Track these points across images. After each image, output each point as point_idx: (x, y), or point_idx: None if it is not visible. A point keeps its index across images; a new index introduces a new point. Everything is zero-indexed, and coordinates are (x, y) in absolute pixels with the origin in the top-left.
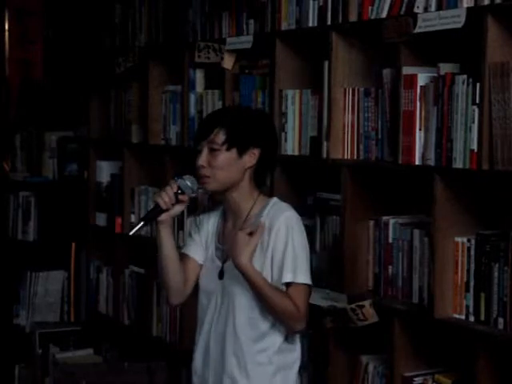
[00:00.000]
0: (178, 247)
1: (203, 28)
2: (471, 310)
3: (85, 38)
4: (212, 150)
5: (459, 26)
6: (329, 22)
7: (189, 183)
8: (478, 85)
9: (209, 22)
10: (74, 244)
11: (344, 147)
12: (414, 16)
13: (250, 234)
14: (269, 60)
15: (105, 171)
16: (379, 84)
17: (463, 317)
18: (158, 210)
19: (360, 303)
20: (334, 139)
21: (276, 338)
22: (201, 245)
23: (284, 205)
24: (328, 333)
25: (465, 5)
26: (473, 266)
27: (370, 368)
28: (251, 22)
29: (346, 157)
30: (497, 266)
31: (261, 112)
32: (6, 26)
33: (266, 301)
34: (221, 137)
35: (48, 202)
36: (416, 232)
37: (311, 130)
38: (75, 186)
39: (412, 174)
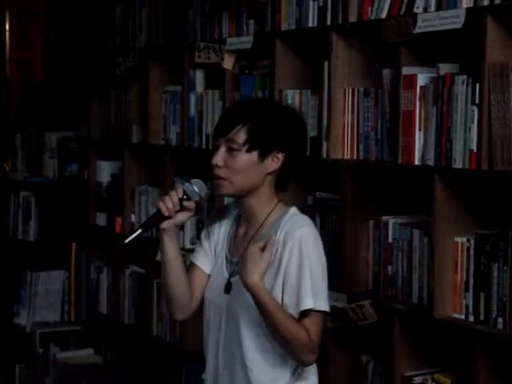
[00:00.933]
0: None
1: (203, 28)
2: (471, 309)
3: (85, 38)
4: (230, 150)
5: (459, 26)
6: (329, 23)
7: (196, 188)
8: (477, 85)
9: (209, 22)
10: (74, 244)
11: (344, 147)
12: (414, 16)
13: (263, 247)
14: (269, 60)
15: (105, 171)
16: (379, 84)
17: (463, 316)
18: (159, 217)
19: (360, 303)
20: (334, 139)
21: (289, 365)
22: (210, 254)
23: (302, 218)
24: (328, 333)
25: (464, 5)
26: (472, 265)
27: (370, 368)
28: (251, 22)
29: (345, 157)
30: (496, 265)
31: (290, 109)
32: (7, 27)
33: (275, 326)
34: (242, 136)
35: (48, 201)
36: (416, 232)
37: (311, 130)
38: (75, 185)
39: (412, 174)
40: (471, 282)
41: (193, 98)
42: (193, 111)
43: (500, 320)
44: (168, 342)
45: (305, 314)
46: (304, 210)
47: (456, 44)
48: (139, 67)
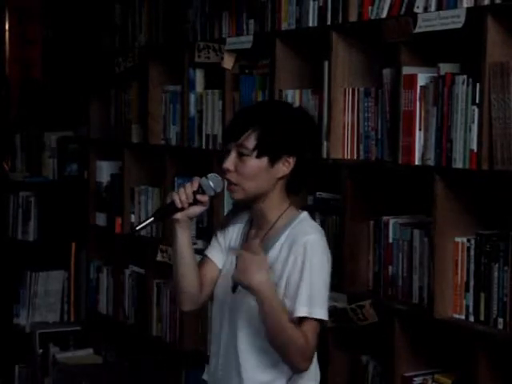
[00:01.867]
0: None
1: (203, 28)
2: (471, 309)
3: (84, 38)
4: (241, 155)
5: (459, 26)
6: (329, 22)
7: (212, 184)
8: (477, 85)
9: (209, 22)
10: (74, 244)
11: (344, 147)
12: (414, 16)
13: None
14: (269, 60)
15: (105, 171)
16: (379, 84)
17: (463, 317)
18: (172, 208)
19: (360, 303)
20: (334, 139)
21: (284, 371)
22: (224, 248)
23: (311, 224)
24: (328, 333)
25: (465, 5)
26: (473, 266)
27: (370, 368)
28: (251, 22)
29: (345, 157)
30: (497, 266)
31: (302, 112)
32: (6, 26)
33: (275, 325)
34: (252, 141)
35: (48, 202)
36: (416, 232)
37: None
38: (75, 185)
39: (412, 174)
40: (471, 282)
41: (193, 97)
42: (193, 111)
43: (500, 320)
44: (168, 341)
45: (302, 320)
46: (304, 210)
47: (456, 44)
48: (139, 67)
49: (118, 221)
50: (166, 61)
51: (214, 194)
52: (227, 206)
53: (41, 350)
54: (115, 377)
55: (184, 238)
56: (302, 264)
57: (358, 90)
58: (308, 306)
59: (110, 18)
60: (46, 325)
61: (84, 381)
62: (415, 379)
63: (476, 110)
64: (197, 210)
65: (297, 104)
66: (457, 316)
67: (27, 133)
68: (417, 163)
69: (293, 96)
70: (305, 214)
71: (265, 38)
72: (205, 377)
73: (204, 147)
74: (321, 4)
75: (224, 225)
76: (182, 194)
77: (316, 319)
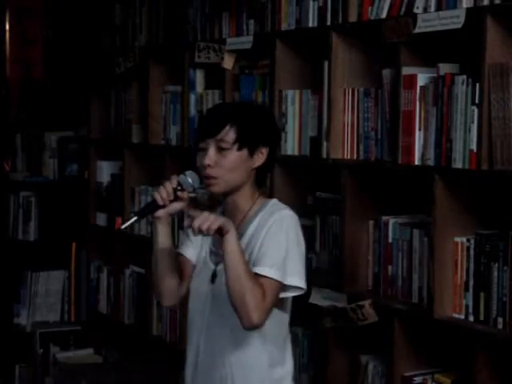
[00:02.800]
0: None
1: (203, 28)
2: (470, 309)
3: (85, 38)
4: (221, 149)
5: (459, 26)
6: (329, 23)
7: (190, 180)
8: (477, 85)
9: (209, 22)
10: (74, 244)
11: (344, 147)
12: (414, 16)
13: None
14: (269, 60)
15: (105, 171)
16: (379, 84)
17: (462, 316)
18: (154, 206)
19: (360, 303)
20: (334, 139)
21: (266, 351)
22: (196, 245)
23: (283, 206)
24: (328, 333)
25: (464, 5)
26: (472, 265)
27: (370, 368)
28: (251, 22)
29: (345, 157)
30: (496, 265)
31: (265, 108)
32: (7, 26)
33: (238, 275)
34: (231, 135)
35: (48, 201)
36: (416, 232)
37: (311, 130)
38: (75, 185)
39: (411, 174)
40: (471, 282)
41: (193, 97)
42: (193, 111)
43: (500, 320)
44: (168, 341)
45: (263, 280)
46: (304, 210)
47: (456, 44)
48: (139, 67)
49: (118, 221)
50: (166, 61)
51: (193, 189)
52: None
53: (41, 350)
54: (115, 376)
55: (164, 234)
56: (274, 232)
57: (358, 90)
58: (270, 268)
59: (110, 18)
60: (47, 324)
61: (84, 380)
62: (415, 379)
63: (476, 110)
64: (177, 206)
65: (296, 104)
66: (456, 316)
67: (27, 133)
68: (416, 163)
69: (293, 96)
70: (275, 200)
71: (265, 38)
72: (185, 370)
73: None
74: (321, 4)
75: None
76: (162, 192)
77: (277, 280)
